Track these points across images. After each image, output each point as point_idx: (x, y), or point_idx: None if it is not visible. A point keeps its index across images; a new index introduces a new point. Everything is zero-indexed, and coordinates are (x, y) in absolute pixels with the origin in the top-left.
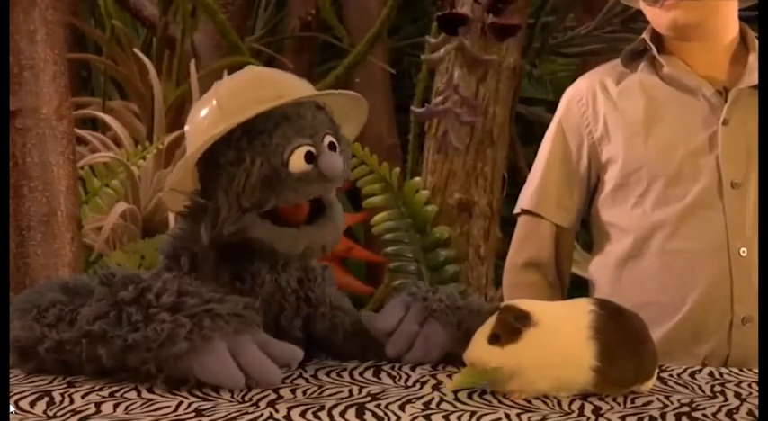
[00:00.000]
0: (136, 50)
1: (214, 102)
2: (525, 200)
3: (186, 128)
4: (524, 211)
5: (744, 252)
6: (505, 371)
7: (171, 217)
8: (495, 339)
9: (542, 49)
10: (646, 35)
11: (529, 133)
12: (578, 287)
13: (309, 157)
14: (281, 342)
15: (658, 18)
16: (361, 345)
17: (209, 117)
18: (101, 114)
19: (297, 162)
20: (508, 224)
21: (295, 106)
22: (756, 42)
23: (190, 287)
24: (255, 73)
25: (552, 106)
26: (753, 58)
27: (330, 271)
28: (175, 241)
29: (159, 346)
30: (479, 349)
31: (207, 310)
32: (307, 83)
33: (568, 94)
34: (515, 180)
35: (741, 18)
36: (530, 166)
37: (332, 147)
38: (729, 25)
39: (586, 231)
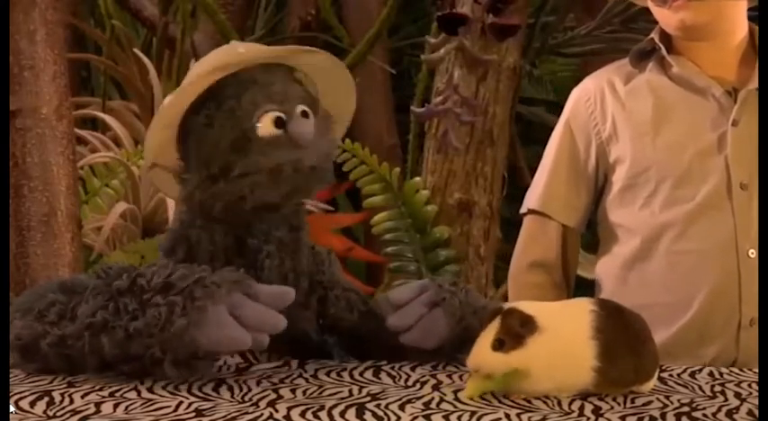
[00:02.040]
0: (136, 50)
1: (185, 81)
2: (532, 199)
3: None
4: (531, 211)
5: (752, 253)
6: (518, 376)
7: (171, 217)
8: (499, 345)
9: (542, 49)
10: (654, 35)
11: (529, 133)
12: (581, 288)
13: (279, 123)
14: (271, 286)
15: (667, 18)
16: (374, 326)
17: (177, 92)
18: (101, 114)
19: (266, 127)
20: (508, 224)
21: (266, 73)
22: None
23: (180, 266)
24: (222, 47)
25: (552, 106)
26: None
27: (334, 255)
28: (172, 233)
29: (160, 330)
30: (483, 355)
31: (196, 281)
32: (278, 47)
33: (576, 94)
34: (515, 180)
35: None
36: (530, 166)
37: (304, 115)
38: (738, 26)
39: (588, 232)
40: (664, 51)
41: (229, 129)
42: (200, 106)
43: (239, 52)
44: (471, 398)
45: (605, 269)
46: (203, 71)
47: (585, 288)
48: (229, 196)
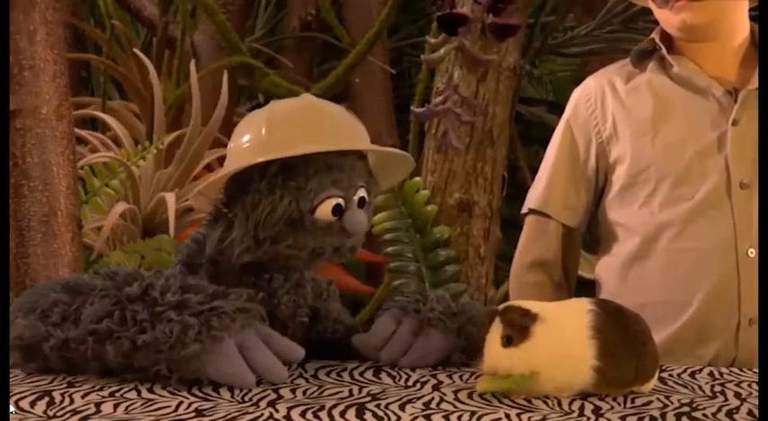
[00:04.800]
0: (136, 50)
1: (263, 129)
2: (533, 199)
3: (230, 144)
4: (532, 211)
5: (751, 252)
6: (533, 377)
7: (171, 217)
8: (507, 341)
9: (542, 49)
10: (655, 35)
11: (529, 133)
12: (581, 287)
13: (337, 210)
14: (284, 338)
15: (668, 19)
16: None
17: (254, 140)
18: (101, 114)
19: (324, 212)
20: (508, 224)
21: (339, 156)
22: None
23: (192, 281)
24: (311, 106)
25: (552, 106)
26: None
27: (334, 286)
28: (192, 248)
29: (170, 348)
30: (496, 355)
31: (212, 309)
32: (359, 127)
33: (577, 94)
34: (515, 180)
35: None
36: (530, 166)
37: (361, 202)
38: (739, 26)
39: (588, 232)
40: (664, 51)
41: (288, 204)
42: (266, 168)
43: (329, 137)
44: (480, 395)
45: (605, 268)
46: (289, 139)
47: (585, 287)
48: (266, 257)
